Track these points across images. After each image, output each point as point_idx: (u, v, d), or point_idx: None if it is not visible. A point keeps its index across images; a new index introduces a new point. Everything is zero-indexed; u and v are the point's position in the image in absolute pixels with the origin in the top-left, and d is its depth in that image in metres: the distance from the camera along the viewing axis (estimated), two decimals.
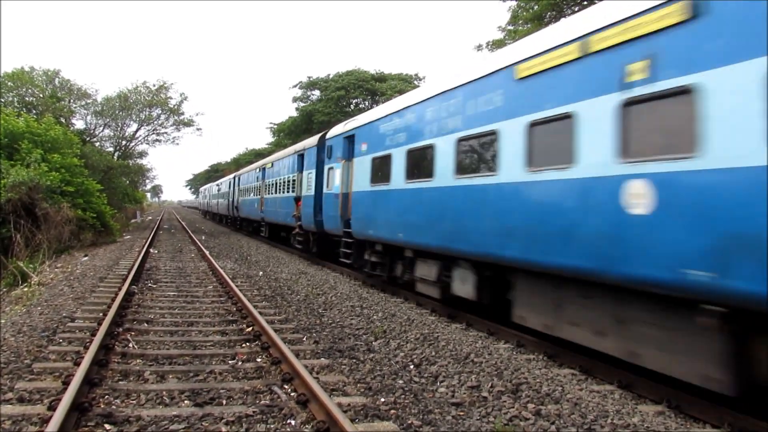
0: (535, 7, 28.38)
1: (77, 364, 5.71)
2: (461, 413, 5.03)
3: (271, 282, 12.57)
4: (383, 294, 11.47)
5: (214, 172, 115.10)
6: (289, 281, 12.78)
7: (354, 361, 6.54)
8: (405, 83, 44.95)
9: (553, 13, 27.44)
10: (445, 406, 5.18)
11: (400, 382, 5.82)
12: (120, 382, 5.53)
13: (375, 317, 9.03)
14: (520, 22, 29.04)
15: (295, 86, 50.50)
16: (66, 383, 5.07)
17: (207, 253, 17.76)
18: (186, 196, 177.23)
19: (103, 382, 5.42)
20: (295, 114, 51.71)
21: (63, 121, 31.28)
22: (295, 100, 51.05)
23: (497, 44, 29.08)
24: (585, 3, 24.39)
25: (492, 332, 8.17)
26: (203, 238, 26.54)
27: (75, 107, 36.15)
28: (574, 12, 25.71)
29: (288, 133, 51.72)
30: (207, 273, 13.85)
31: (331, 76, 48.11)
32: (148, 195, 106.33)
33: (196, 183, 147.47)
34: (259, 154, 61.77)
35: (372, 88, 45.79)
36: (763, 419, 4.74)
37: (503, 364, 6.52)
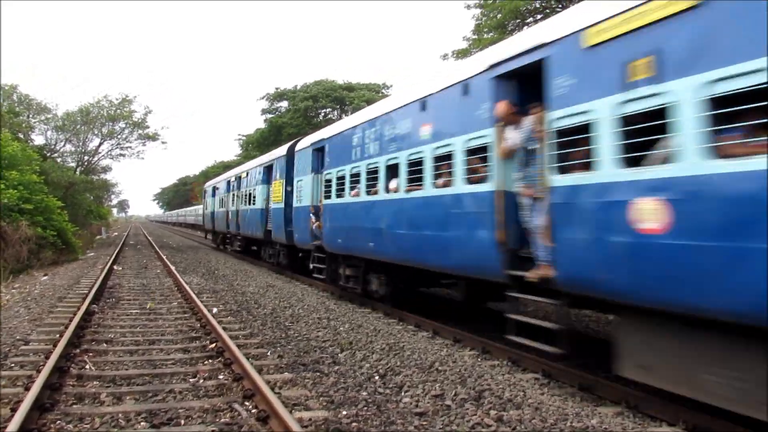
0: (498, 16, 28.83)
1: (28, 389, 5.51)
2: (424, 423, 5.02)
3: (238, 296, 12.40)
4: (351, 305, 11.42)
5: (183, 186, 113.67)
6: (257, 295, 12.62)
7: (318, 374, 6.47)
8: (373, 93, 45.15)
9: (517, 21, 27.91)
10: (408, 416, 5.16)
11: (364, 393, 5.78)
12: (74, 406, 5.36)
13: (341, 329, 8.97)
14: (485, 30, 29.48)
15: (262, 98, 50.24)
16: (14, 410, 4.88)
17: (173, 268, 17.44)
18: (154, 210, 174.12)
19: (55, 406, 5.24)
20: (263, 126, 51.46)
21: (21, 136, 30.44)
22: (263, 112, 50.79)
23: (462, 53, 29.46)
24: (548, 11, 24.90)
25: (458, 340, 8.19)
26: (170, 253, 26.05)
27: (34, 122, 35.26)
28: (536, 21, 26.23)
29: (257, 145, 51.37)
30: (172, 289, 13.59)
31: (299, 87, 47.98)
32: (114, 210, 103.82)
33: (164, 197, 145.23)
34: (227, 167, 61.18)
35: (340, 96, 45.79)
36: (716, 416, 4.84)
37: (467, 371, 6.53)
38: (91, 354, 7.27)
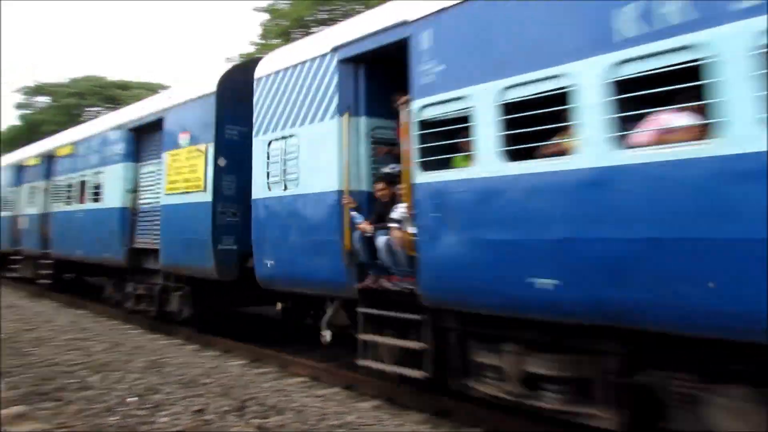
0: (285, 23, 29.30)
1: None
2: None
3: None
4: (112, 322, 10.35)
5: None
6: None
7: (59, 403, 5.68)
8: (151, 92, 42.14)
9: (301, 30, 28.59)
10: None
11: (114, 418, 5.23)
12: None
13: (97, 349, 8.05)
14: (271, 35, 29.70)
15: (17, 91, 43.55)
16: None
17: None
18: None
19: None
20: (17, 123, 44.79)
21: None
22: (19, 106, 44.16)
23: (248, 57, 29.21)
24: (331, 21, 25.92)
25: (228, 350, 7.94)
26: None
27: None
28: (320, 29, 27.11)
29: (8, 144, 44.31)
30: None
31: (66, 81, 42.72)
32: None
33: None
34: None
35: (113, 95, 41.87)
36: (459, 400, 5.42)
37: (233, 381, 6.35)
38: None
